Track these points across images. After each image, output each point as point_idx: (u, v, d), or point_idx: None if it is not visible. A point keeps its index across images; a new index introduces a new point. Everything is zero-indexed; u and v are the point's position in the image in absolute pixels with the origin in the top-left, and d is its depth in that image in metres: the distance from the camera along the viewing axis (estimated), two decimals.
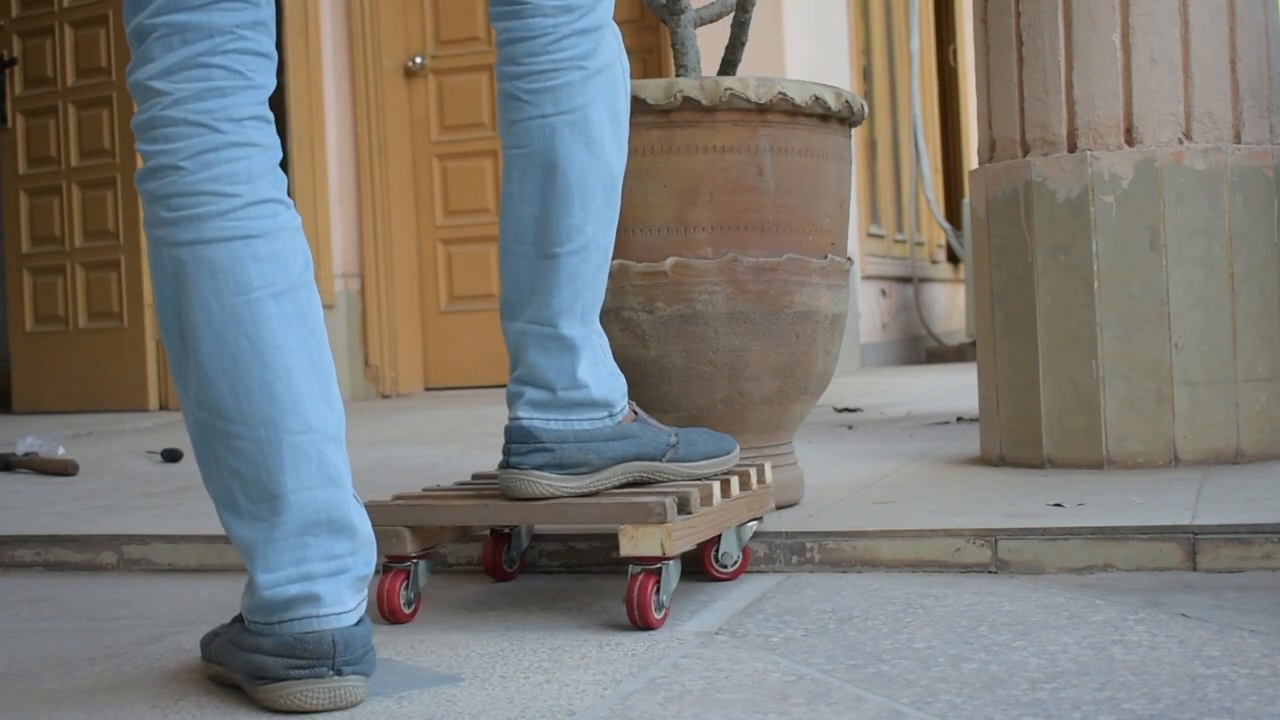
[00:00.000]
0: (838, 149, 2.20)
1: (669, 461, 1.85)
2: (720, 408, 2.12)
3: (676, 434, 1.88)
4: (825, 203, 2.17)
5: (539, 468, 1.76)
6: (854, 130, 2.29)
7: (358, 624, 1.47)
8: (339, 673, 1.43)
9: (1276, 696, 1.32)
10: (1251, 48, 2.59)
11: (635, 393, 2.13)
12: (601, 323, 2.10)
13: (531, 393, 1.78)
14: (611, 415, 1.81)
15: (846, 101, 2.17)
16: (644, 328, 2.09)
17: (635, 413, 1.86)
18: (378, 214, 6.21)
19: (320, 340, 1.50)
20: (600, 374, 1.80)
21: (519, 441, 1.76)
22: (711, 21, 2.32)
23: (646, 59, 5.99)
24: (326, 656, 1.43)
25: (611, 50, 1.78)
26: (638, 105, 2.06)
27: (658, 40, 5.93)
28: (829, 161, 2.17)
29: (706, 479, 1.86)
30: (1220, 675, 1.40)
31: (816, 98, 2.11)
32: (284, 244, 1.49)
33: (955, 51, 9.79)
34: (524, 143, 1.76)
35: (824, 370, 2.22)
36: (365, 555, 1.50)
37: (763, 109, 2.08)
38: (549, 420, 1.77)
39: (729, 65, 2.27)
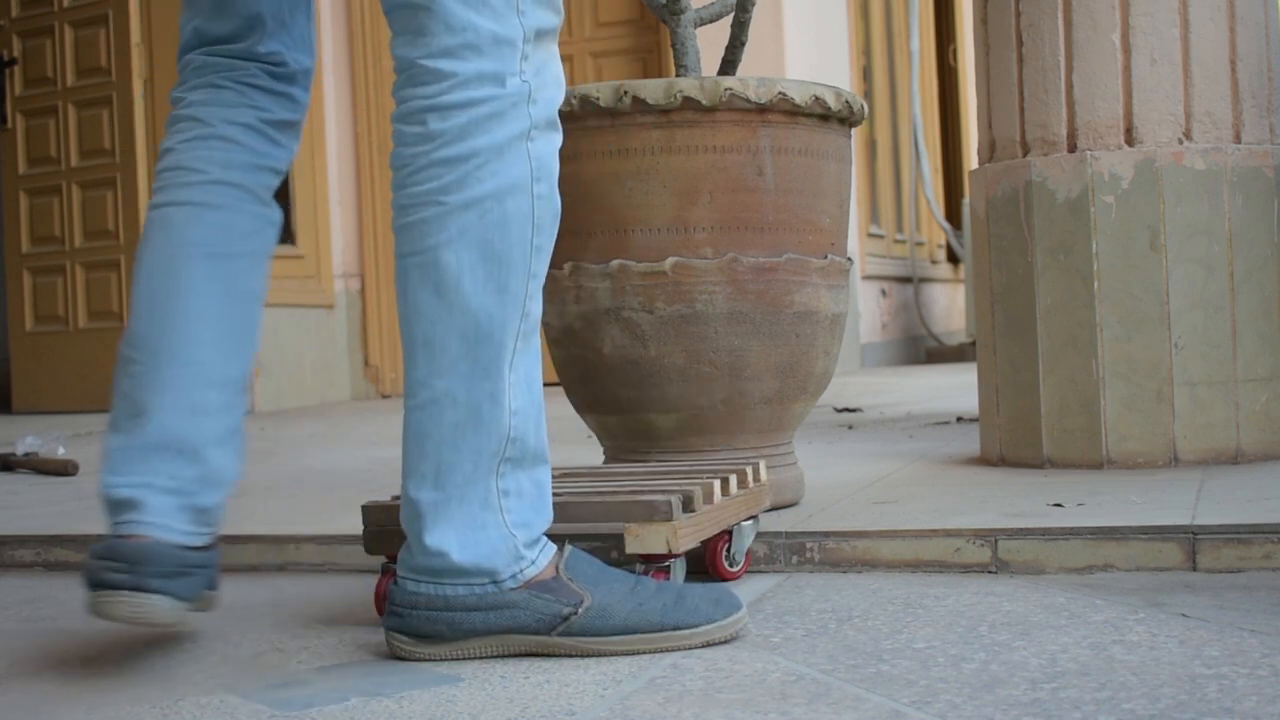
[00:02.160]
0: (838, 149, 2.20)
1: (560, 635, 1.58)
2: (721, 408, 2.12)
3: (586, 602, 1.59)
4: (825, 203, 2.17)
5: (394, 630, 1.61)
6: (854, 130, 2.29)
7: (186, 549, 1.56)
8: (145, 588, 1.50)
9: (1276, 696, 1.32)
10: (1251, 48, 2.59)
11: (635, 393, 2.12)
12: (602, 323, 2.10)
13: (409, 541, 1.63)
14: (496, 582, 1.57)
15: (846, 101, 2.17)
16: (644, 328, 2.09)
17: (557, 570, 1.60)
18: (378, 214, 6.21)
19: (248, 309, 1.66)
20: (472, 539, 1.57)
21: (388, 599, 1.63)
22: (711, 21, 2.32)
23: (647, 59, 5.99)
24: (137, 563, 1.49)
25: (495, 180, 1.55)
26: (638, 105, 2.06)
27: (658, 40, 5.93)
28: (829, 161, 2.17)
29: (617, 653, 1.59)
30: (1220, 675, 1.40)
31: (816, 98, 2.11)
32: (239, 223, 1.67)
33: (955, 51, 9.79)
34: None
35: (824, 370, 2.22)
36: (212, 491, 1.59)
37: (763, 109, 2.08)
38: (418, 581, 1.59)
39: (729, 65, 2.27)
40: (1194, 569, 1.90)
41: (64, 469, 3.41)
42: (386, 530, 1.79)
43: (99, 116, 5.70)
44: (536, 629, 1.58)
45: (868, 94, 7.80)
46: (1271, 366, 2.55)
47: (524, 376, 1.59)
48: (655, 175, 2.08)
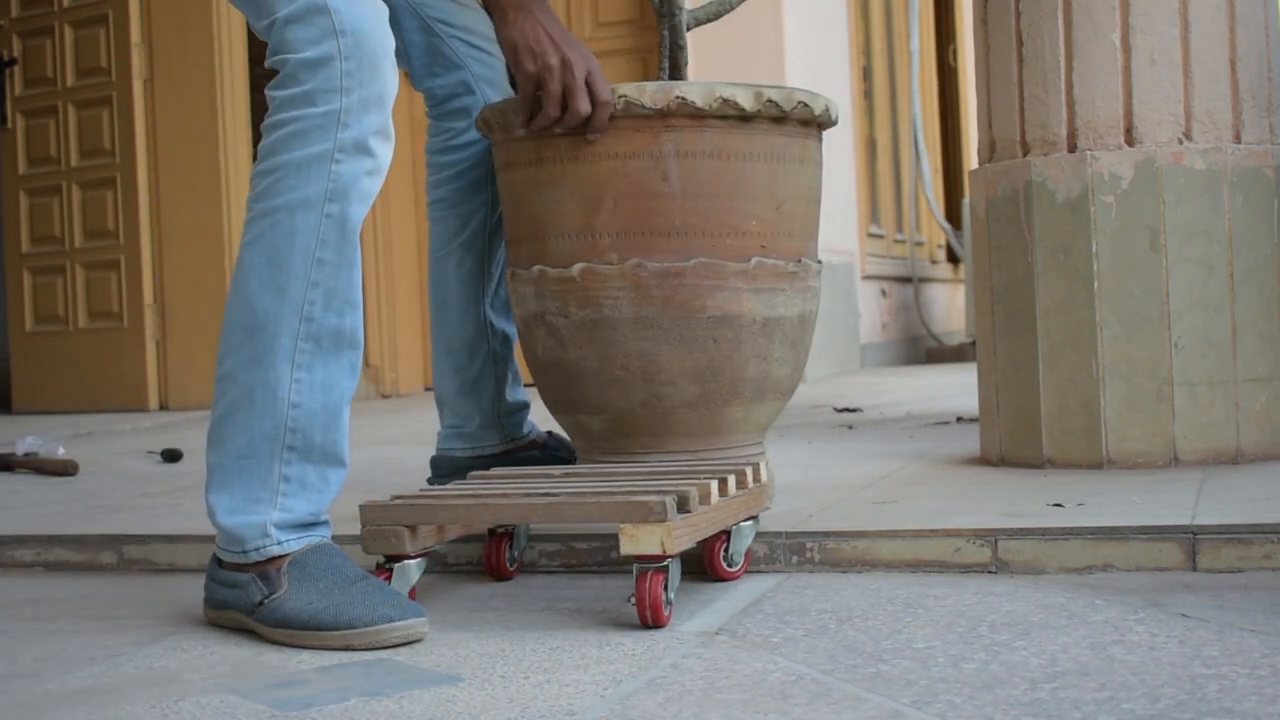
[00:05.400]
0: (771, 149, 2.11)
1: (254, 620, 1.76)
2: (640, 410, 2.10)
3: (276, 594, 1.74)
4: (750, 205, 2.10)
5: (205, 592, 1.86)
6: (817, 128, 2.20)
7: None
8: None
9: (1276, 696, 1.32)
10: (1251, 48, 2.59)
11: (565, 395, 2.13)
12: (534, 326, 2.11)
13: None
14: (245, 553, 1.77)
15: (771, 100, 2.07)
16: (563, 332, 2.10)
17: (284, 561, 1.76)
18: (377, 214, 6.21)
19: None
20: (240, 508, 1.77)
21: None
22: (708, 21, 2.31)
23: (647, 59, 6.00)
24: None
25: (292, 194, 1.74)
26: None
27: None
28: (754, 163, 2.09)
29: (287, 645, 1.73)
30: (1220, 675, 1.40)
31: (724, 99, 2.04)
32: None
33: (955, 51, 9.79)
34: None
35: (762, 374, 2.15)
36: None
37: (664, 114, 2.04)
38: (217, 549, 1.83)
39: (675, 69, 2.22)
40: (1194, 569, 1.91)
41: (64, 469, 3.41)
42: (385, 529, 1.79)
43: (99, 116, 5.70)
44: (245, 609, 1.76)
45: (868, 94, 7.80)
46: (1271, 366, 2.55)
47: (319, 381, 1.77)
48: (564, 183, 2.08)
